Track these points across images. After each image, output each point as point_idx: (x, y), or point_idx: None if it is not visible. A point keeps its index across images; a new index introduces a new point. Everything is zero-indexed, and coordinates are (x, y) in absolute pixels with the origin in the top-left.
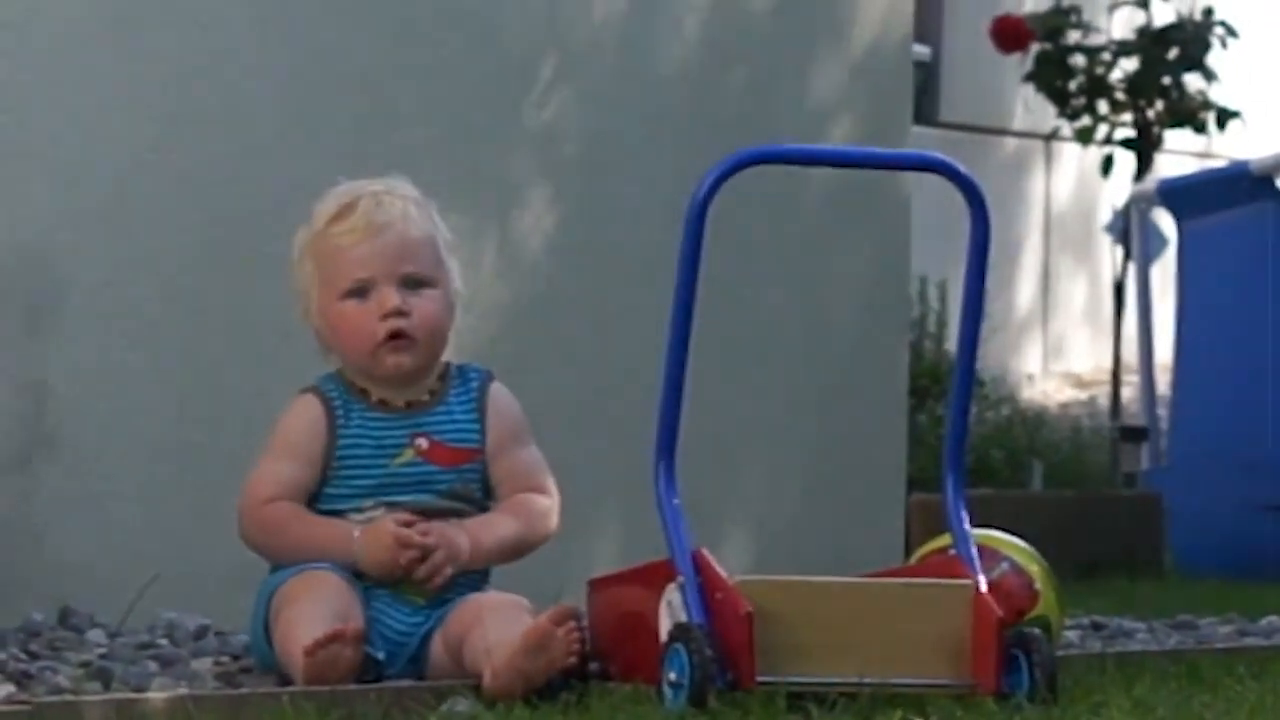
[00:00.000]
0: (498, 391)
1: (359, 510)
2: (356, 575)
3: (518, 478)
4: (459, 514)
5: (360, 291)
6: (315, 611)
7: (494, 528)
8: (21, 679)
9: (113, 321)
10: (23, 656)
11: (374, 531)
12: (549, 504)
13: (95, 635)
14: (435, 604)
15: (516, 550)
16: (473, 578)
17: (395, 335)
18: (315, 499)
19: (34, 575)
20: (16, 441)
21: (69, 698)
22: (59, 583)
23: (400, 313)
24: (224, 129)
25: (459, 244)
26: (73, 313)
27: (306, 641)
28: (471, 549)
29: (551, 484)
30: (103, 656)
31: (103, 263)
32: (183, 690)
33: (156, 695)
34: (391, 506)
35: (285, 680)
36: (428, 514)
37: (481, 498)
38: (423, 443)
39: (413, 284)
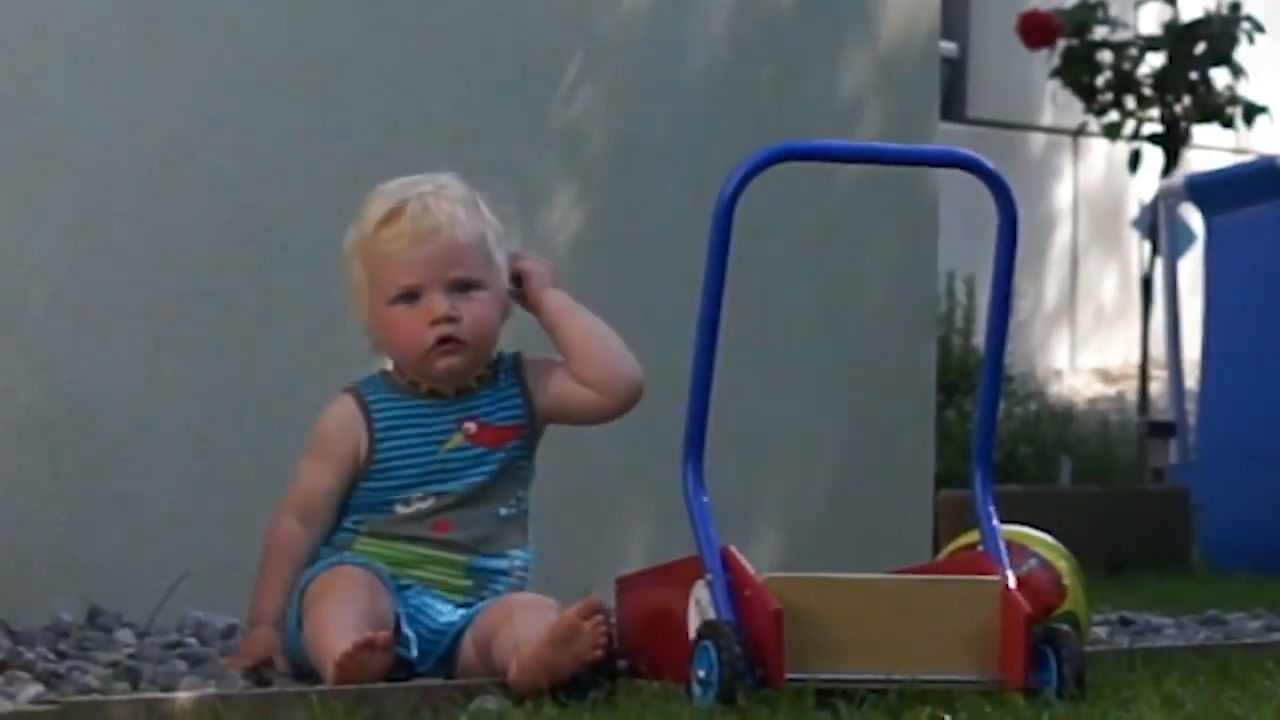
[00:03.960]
0: (526, 356)
1: (406, 504)
2: (393, 578)
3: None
4: (505, 504)
5: (409, 296)
6: (345, 612)
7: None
8: (50, 679)
9: (141, 320)
10: (51, 656)
11: (254, 640)
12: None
13: (124, 635)
14: (473, 598)
15: (603, 331)
16: (519, 577)
17: (445, 339)
18: (357, 493)
19: (62, 575)
20: (45, 441)
21: (97, 697)
22: (87, 582)
23: (449, 318)
24: (251, 127)
25: (510, 231)
26: (101, 312)
27: (337, 652)
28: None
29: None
30: (131, 656)
31: (131, 262)
32: (211, 690)
33: (185, 695)
34: (440, 495)
35: (313, 672)
36: (476, 503)
37: (529, 473)
38: (471, 426)
39: (462, 287)
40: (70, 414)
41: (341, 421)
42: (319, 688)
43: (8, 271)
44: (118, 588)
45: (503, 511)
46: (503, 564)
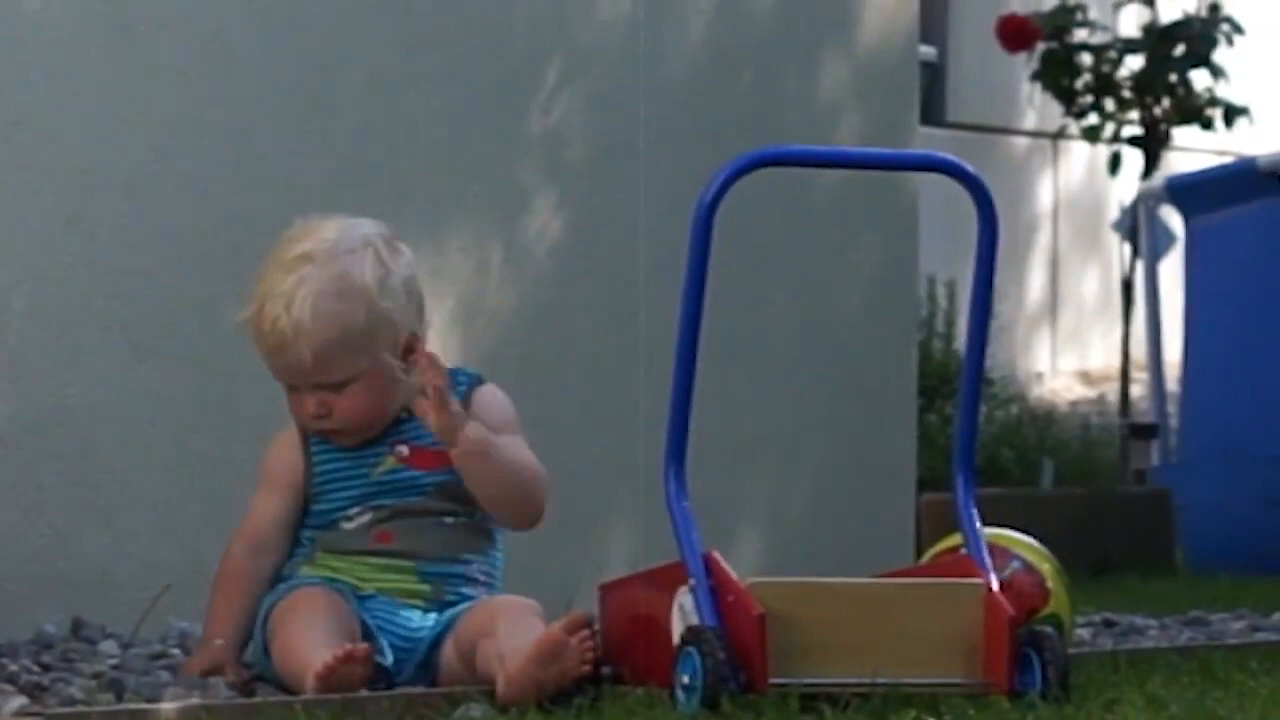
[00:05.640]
0: (484, 392)
1: (349, 519)
2: (353, 589)
3: None
4: (446, 514)
5: (289, 388)
6: (313, 628)
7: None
8: (34, 691)
9: (122, 332)
10: (35, 668)
11: (204, 652)
12: (542, 473)
13: (108, 646)
14: (436, 605)
15: (511, 474)
16: (483, 581)
17: (324, 431)
18: (308, 515)
19: (45, 587)
20: (27, 453)
21: (82, 709)
22: (71, 594)
23: (319, 416)
24: (231, 137)
25: (443, 266)
26: (82, 323)
27: (316, 664)
28: (472, 427)
29: (541, 468)
30: (115, 667)
31: (112, 273)
32: (195, 700)
33: (169, 706)
34: (378, 510)
35: (289, 691)
36: (415, 514)
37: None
38: (403, 450)
39: (330, 387)
40: (51, 426)
41: (282, 453)
42: (304, 697)
43: None
44: (101, 599)
45: (448, 520)
46: (457, 569)
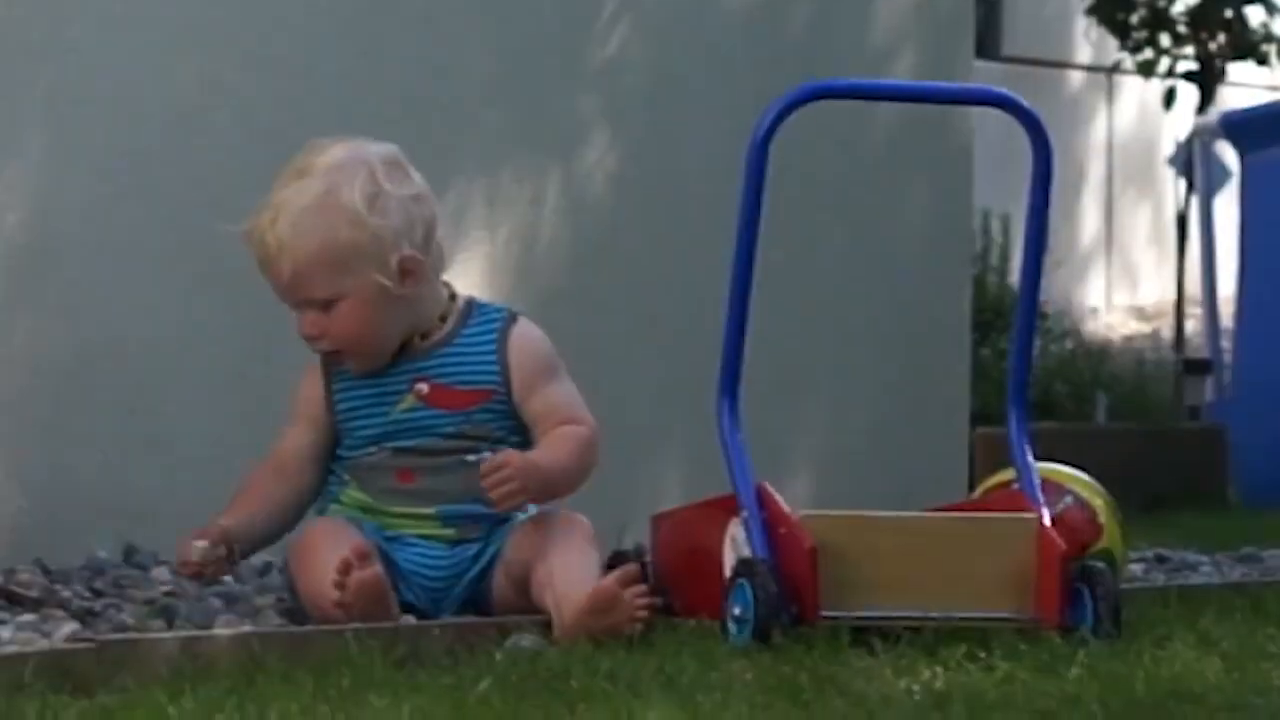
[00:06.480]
0: (520, 333)
1: (370, 455)
2: (378, 529)
3: (553, 413)
4: (467, 452)
5: (291, 307)
6: (325, 554)
7: (550, 455)
8: (86, 617)
9: (175, 262)
10: (87, 594)
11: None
12: (589, 434)
13: (160, 573)
14: (462, 543)
15: (568, 478)
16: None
17: (326, 352)
18: (338, 448)
19: (98, 514)
20: (80, 382)
21: (133, 635)
22: (123, 522)
23: (313, 337)
24: (285, 67)
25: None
26: (134, 253)
27: (332, 575)
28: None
29: (588, 415)
30: (167, 594)
31: (165, 203)
32: (247, 627)
33: (221, 633)
34: (397, 452)
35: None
36: (432, 455)
37: (503, 434)
38: (423, 387)
39: (318, 305)
40: (105, 356)
41: (304, 385)
42: (355, 626)
43: (41, 214)
44: (154, 527)
45: (470, 458)
46: (478, 507)
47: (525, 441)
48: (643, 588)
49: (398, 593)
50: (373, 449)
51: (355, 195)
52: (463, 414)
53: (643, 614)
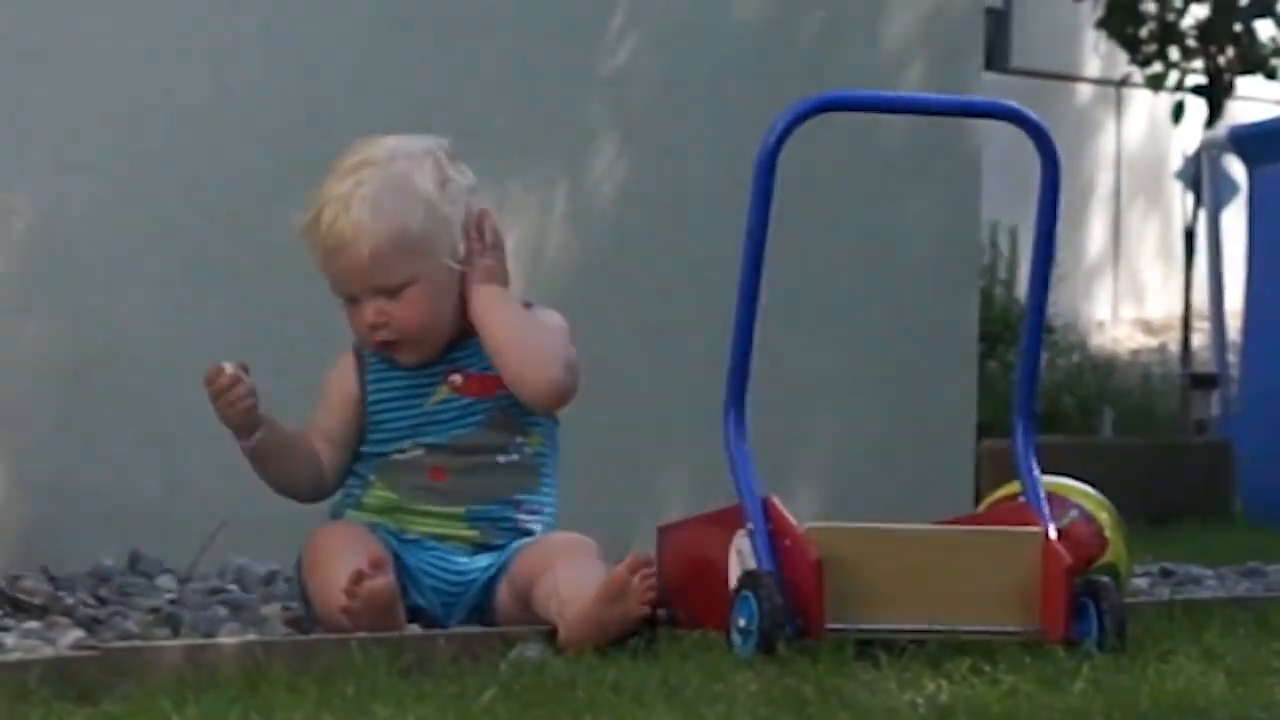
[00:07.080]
0: (535, 308)
1: (401, 451)
2: (390, 532)
3: None
4: (499, 450)
5: (347, 300)
6: (338, 559)
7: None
8: (91, 624)
9: (182, 268)
10: (92, 602)
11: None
12: (565, 348)
13: (165, 581)
14: (484, 547)
15: (525, 327)
16: (533, 519)
17: (382, 342)
18: (362, 455)
19: (104, 521)
20: (87, 388)
21: (138, 643)
22: (129, 529)
23: (378, 325)
24: (293, 75)
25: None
26: (142, 259)
27: (342, 583)
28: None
29: (568, 344)
30: (172, 602)
31: (172, 209)
32: (252, 636)
33: (226, 641)
34: (430, 450)
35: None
36: (466, 451)
37: (524, 423)
38: (456, 378)
39: (387, 292)
40: (111, 360)
41: (339, 374)
42: (360, 634)
43: (48, 219)
44: (159, 535)
45: (501, 459)
46: (507, 511)
47: (547, 426)
48: (651, 570)
49: (407, 596)
50: (405, 444)
51: (428, 180)
52: (493, 400)
53: (651, 595)
